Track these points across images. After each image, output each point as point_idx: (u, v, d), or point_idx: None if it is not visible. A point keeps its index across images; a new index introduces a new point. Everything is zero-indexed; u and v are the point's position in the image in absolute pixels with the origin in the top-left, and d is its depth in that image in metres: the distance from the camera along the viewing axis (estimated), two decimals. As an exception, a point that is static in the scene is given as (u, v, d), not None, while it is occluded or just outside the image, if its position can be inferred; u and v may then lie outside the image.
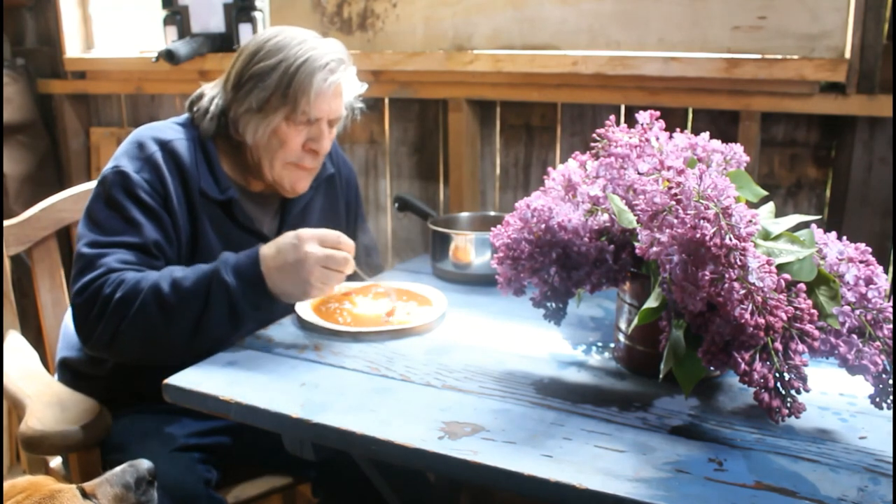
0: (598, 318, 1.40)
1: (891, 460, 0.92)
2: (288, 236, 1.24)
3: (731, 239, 0.91)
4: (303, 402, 1.06)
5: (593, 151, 1.16)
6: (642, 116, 1.16)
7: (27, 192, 2.47)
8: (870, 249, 1.02)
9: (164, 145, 1.37)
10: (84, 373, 1.42)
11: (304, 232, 1.24)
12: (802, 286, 0.93)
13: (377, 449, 0.98)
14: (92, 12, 2.54)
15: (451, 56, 1.92)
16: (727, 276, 0.91)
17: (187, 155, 1.38)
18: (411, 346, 1.27)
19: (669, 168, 1.01)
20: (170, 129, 1.42)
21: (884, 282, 0.98)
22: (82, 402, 1.28)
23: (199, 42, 2.16)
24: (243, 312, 1.23)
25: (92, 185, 1.43)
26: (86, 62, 2.50)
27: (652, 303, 1.02)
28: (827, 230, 1.06)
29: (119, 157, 1.36)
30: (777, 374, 0.91)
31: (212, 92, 1.44)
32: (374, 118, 2.14)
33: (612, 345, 1.25)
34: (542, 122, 1.96)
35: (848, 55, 1.59)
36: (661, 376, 1.02)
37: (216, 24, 2.19)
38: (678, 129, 1.16)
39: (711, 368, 0.97)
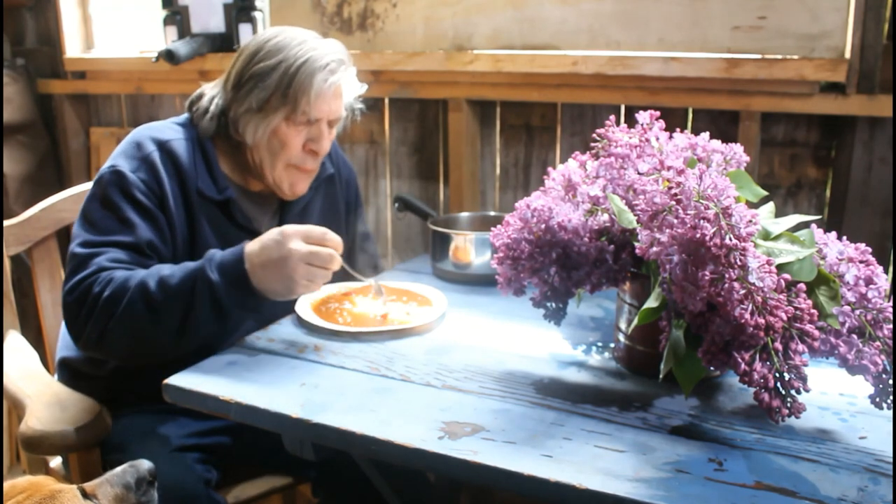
0: (598, 318, 1.40)
1: (891, 460, 0.92)
2: (272, 233, 1.22)
3: (731, 239, 0.91)
4: (303, 402, 1.06)
5: (593, 151, 1.16)
6: (642, 116, 1.16)
7: (27, 192, 2.47)
8: (870, 249, 1.02)
9: (162, 145, 1.37)
10: (84, 373, 1.42)
11: (289, 228, 1.22)
12: (802, 286, 0.93)
13: (377, 449, 0.98)
14: (92, 12, 2.54)
15: (451, 56, 1.92)
16: (727, 276, 0.91)
17: (185, 155, 1.38)
18: (411, 346, 1.27)
19: (669, 168, 1.01)
20: (168, 128, 1.42)
21: (884, 282, 0.98)
22: (82, 402, 1.28)
23: (199, 42, 2.16)
24: (228, 310, 1.22)
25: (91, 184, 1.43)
26: (86, 62, 2.50)
27: (652, 303, 1.02)
28: (827, 230, 1.06)
29: (116, 157, 1.36)
30: (777, 374, 0.91)
31: (212, 92, 1.44)
32: (374, 118, 2.14)
33: (612, 345, 1.25)
34: (542, 122, 1.96)
35: (848, 55, 1.59)
36: (661, 376, 1.02)
37: (216, 24, 2.19)
38: (678, 129, 1.16)
39: (711, 368, 0.97)
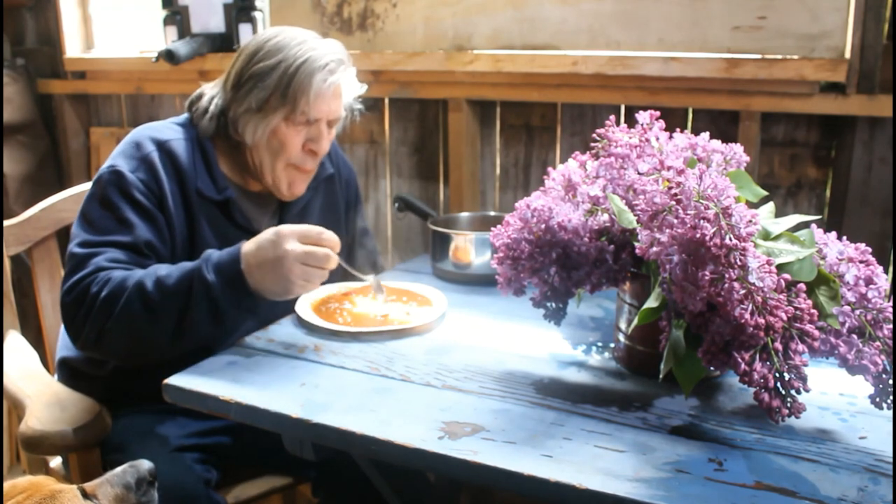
0: (598, 318, 1.40)
1: (891, 460, 0.92)
2: (268, 233, 1.22)
3: (731, 239, 0.91)
4: (303, 402, 1.06)
5: (593, 151, 1.16)
6: (642, 116, 1.16)
7: (27, 192, 2.47)
8: (870, 249, 1.02)
9: (162, 145, 1.37)
10: (84, 373, 1.42)
11: (284, 228, 1.21)
12: (802, 286, 0.93)
13: (377, 449, 0.98)
14: (92, 12, 2.54)
15: (451, 56, 1.92)
16: (727, 276, 0.91)
17: (185, 155, 1.38)
18: (411, 346, 1.27)
19: (669, 168, 1.01)
20: (168, 128, 1.42)
21: (884, 282, 0.98)
22: (82, 402, 1.28)
23: (199, 42, 2.16)
24: (225, 310, 1.21)
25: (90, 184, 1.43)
26: (86, 62, 2.50)
27: (652, 303, 1.02)
28: (827, 230, 1.06)
29: (115, 157, 1.36)
30: (777, 374, 0.91)
31: (211, 92, 1.44)
32: (374, 118, 2.14)
33: (612, 345, 1.25)
34: (542, 122, 1.96)
35: (848, 55, 1.59)
36: (661, 376, 1.02)
37: (216, 24, 2.19)
38: (678, 129, 1.16)
39: (711, 368, 0.97)
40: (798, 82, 1.62)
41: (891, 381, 0.95)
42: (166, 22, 2.22)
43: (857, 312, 0.96)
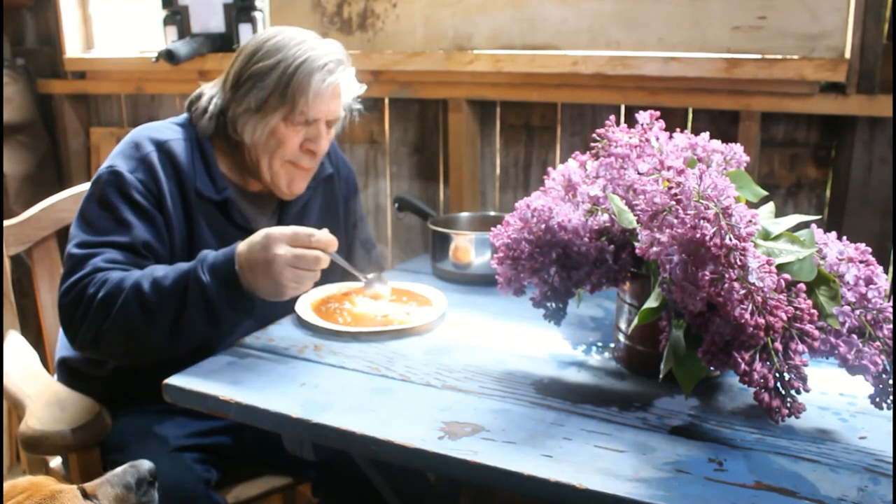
0: (598, 318, 1.40)
1: (891, 460, 0.92)
2: (259, 235, 1.21)
3: (731, 239, 0.91)
4: (303, 402, 1.06)
5: (593, 151, 1.16)
6: (642, 116, 1.16)
7: (27, 192, 2.47)
8: (870, 249, 1.02)
9: (161, 145, 1.37)
10: (83, 373, 1.42)
11: (274, 232, 1.20)
12: (802, 286, 0.93)
13: (377, 449, 0.98)
14: (92, 12, 2.54)
15: (451, 56, 1.92)
16: (727, 276, 0.91)
17: (184, 155, 1.38)
18: (411, 346, 1.27)
19: (669, 168, 1.01)
20: (167, 129, 1.42)
21: (884, 282, 0.98)
22: (82, 402, 1.28)
23: (199, 42, 2.16)
24: (221, 311, 1.21)
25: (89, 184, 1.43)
26: (86, 62, 2.50)
27: (652, 303, 1.02)
28: (827, 230, 1.06)
29: (114, 157, 1.36)
30: (777, 374, 0.91)
31: (211, 91, 1.44)
32: (374, 118, 2.14)
33: (612, 345, 1.25)
34: (542, 122, 1.96)
35: (848, 55, 1.59)
36: (661, 376, 1.02)
37: (216, 24, 2.19)
38: (678, 129, 1.16)
39: (711, 368, 0.97)
40: (798, 82, 1.62)
41: (891, 381, 0.95)
42: (166, 22, 2.22)
43: (857, 312, 0.96)
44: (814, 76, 1.59)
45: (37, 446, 1.22)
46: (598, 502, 0.85)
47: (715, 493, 0.85)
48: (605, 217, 1.10)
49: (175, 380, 1.13)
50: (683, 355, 1.00)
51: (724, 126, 1.75)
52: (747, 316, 0.89)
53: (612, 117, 1.16)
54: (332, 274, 1.52)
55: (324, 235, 1.22)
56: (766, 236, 1.03)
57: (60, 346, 1.49)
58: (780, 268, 0.95)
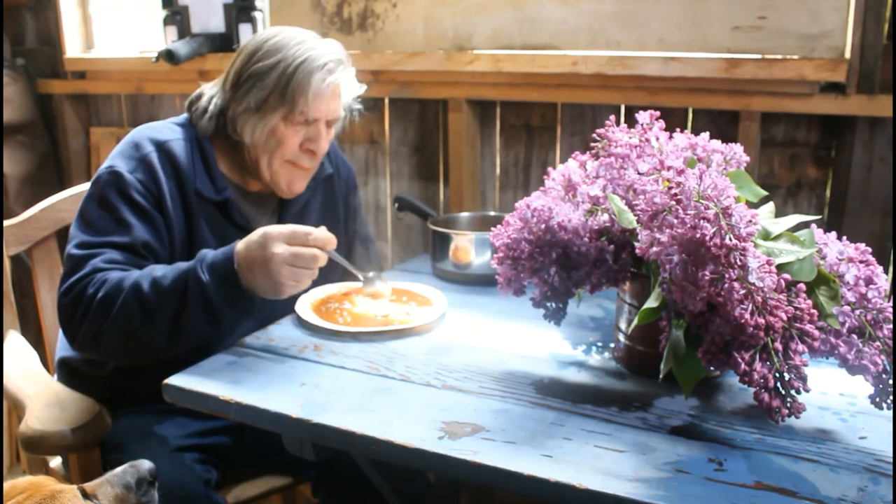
0: (598, 318, 1.40)
1: (891, 460, 0.92)
2: (256, 234, 1.21)
3: (731, 239, 0.91)
4: (303, 402, 1.06)
5: (593, 151, 1.16)
6: (642, 116, 1.16)
7: (27, 192, 2.47)
8: (870, 249, 1.02)
9: (161, 146, 1.37)
10: (83, 373, 1.42)
11: (272, 230, 1.20)
12: (802, 286, 0.93)
13: (377, 449, 0.98)
14: (92, 12, 2.54)
15: (451, 56, 1.92)
16: (727, 276, 0.91)
17: (184, 155, 1.38)
18: (411, 346, 1.27)
19: (669, 168, 1.01)
20: (167, 129, 1.42)
21: (884, 282, 0.98)
22: (82, 402, 1.28)
23: (199, 42, 2.16)
24: (220, 310, 1.21)
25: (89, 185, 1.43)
26: (86, 62, 2.50)
27: (652, 303, 1.02)
28: (827, 230, 1.06)
29: (114, 157, 1.36)
30: (777, 374, 0.91)
31: (211, 91, 1.44)
32: (374, 118, 2.14)
33: (612, 345, 1.25)
34: (542, 122, 1.96)
35: (848, 55, 1.59)
36: (661, 376, 1.02)
37: (216, 24, 2.19)
38: (678, 129, 1.16)
39: (711, 368, 0.97)
40: (798, 82, 1.62)
41: (891, 381, 0.95)
42: (166, 22, 2.22)
43: (857, 312, 0.96)
44: (814, 76, 1.59)
45: (37, 446, 1.22)
46: (598, 502, 0.85)
47: (715, 493, 0.85)
48: (605, 217, 1.10)
49: (175, 380, 1.13)
50: (683, 355, 1.00)
51: (724, 126, 1.75)
52: (747, 316, 0.89)
53: (612, 117, 1.16)
54: (332, 273, 1.52)
55: (321, 233, 1.22)
56: (766, 236, 1.03)
57: (60, 346, 1.49)
58: (780, 268, 0.95)
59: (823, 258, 1.01)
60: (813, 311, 0.92)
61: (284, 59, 1.36)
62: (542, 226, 1.10)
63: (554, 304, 1.17)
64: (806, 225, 1.05)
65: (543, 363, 1.20)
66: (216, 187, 1.40)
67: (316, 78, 1.36)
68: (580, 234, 1.08)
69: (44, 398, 1.29)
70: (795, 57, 1.62)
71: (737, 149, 1.15)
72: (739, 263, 0.91)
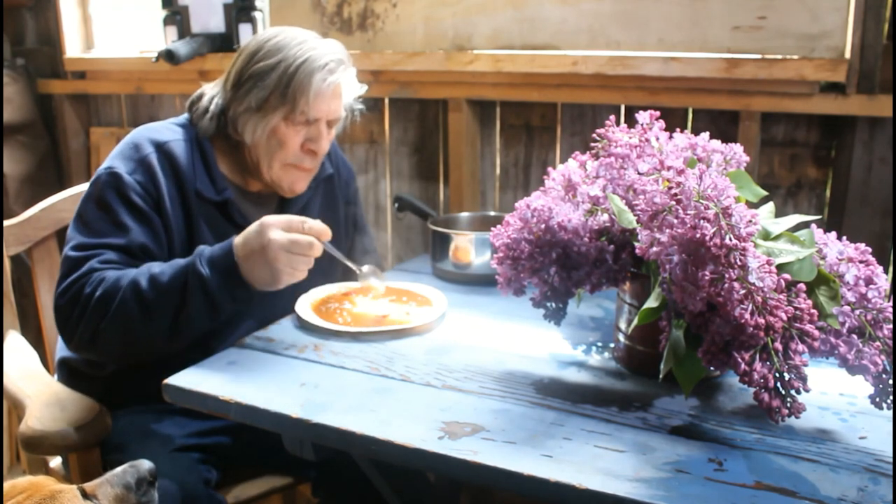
0: (598, 318, 1.40)
1: (891, 460, 0.92)
2: (254, 224, 1.23)
3: (731, 239, 0.91)
4: (303, 402, 1.06)
5: (593, 151, 1.16)
6: (642, 116, 1.16)
7: (27, 192, 2.47)
8: (870, 249, 1.02)
9: (160, 147, 1.37)
10: (84, 373, 1.42)
11: (269, 219, 1.22)
12: (802, 286, 0.93)
13: (377, 449, 0.98)
14: (92, 12, 2.54)
15: (451, 56, 1.92)
16: (727, 276, 0.91)
17: (184, 156, 1.38)
18: (411, 346, 1.27)
19: (669, 168, 1.01)
20: (167, 129, 1.42)
21: (884, 282, 0.98)
22: (82, 402, 1.28)
23: (199, 42, 2.16)
24: (221, 304, 1.22)
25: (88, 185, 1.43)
26: (86, 62, 2.50)
27: (652, 303, 1.02)
28: (827, 230, 1.06)
29: (114, 158, 1.36)
30: (777, 374, 0.91)
31: (212, 91, 1.44)
32: (374, 118, 2.14)
33: (612, 345, 1.25)
34: (542, 122, 1.96)
35: (848, 55, 1.59)
36: (661, 376, 1.02)
37: (216, 24, 2.19)
38: (678, 129, 1.16)
39: (711, 368, 0.97)
40: (798, 82, 1.62)
41: (891, 381, 0.95)
42: (166, 22, 2.22)
43: (857, 312, 0.96)
44: (814, 76, 1.59)
45: (37, 446, 1.22)
46: (598, 502, 0.85)
47: (715, 493, 0.85)
48: (605, 217, 1.10)
49: (175, 380, 1.13)
50: (683, 355, 1.00)
51: (724, 126, 1.75)
52: (747, 316, 0.89)
53: (612, 117, 1.16)
54: (332, 273, 1.52)
55: (316, 223, 1.24)
56: (766, 236, 1.03)
57: (60, 346, 1.48)
58: (780, 268, 0.95)
59: (823, 258, 1.01)
60: (813, 311, 0.92)
61: (285, 59, 1.36)
62: (542, 226, 1.10)
63: (554, 304, 1.17)
64: (806, 225, 1.05)
65: (543, 363, 1.20)
66: (216, 188, 1.40)
67: (317, 78, 1.36)
68: (580, 234, 1.08)
69: (44, 398, 1.29)
70: (795, 57, 1.62)
71: (737, 149, 1.15)
72: (739, 263, 0.91)
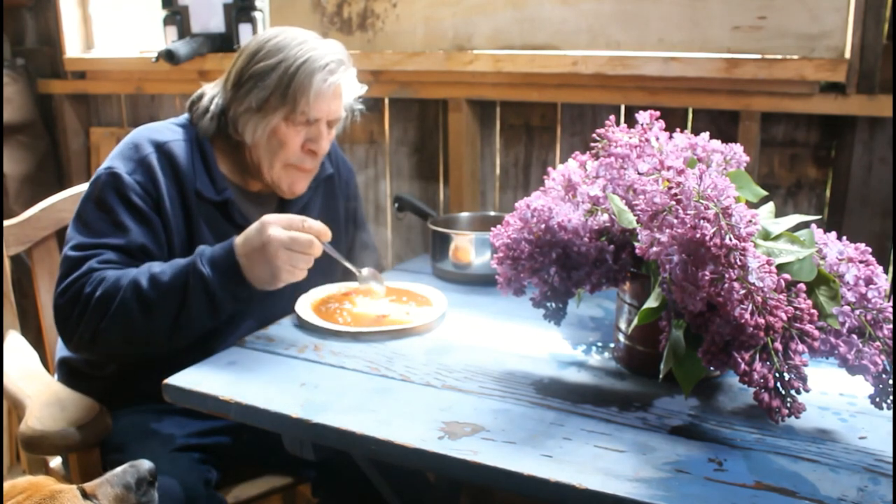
0: (598, 318, 1.40)
1: (891, 460, 0.92)
2: (254, 223, 1.24)
3: (731, 239, 0.91)
4: (303, 402, 1.06)
5: (593, 151, 1.16)
6: (642, 116, 1.16)
7: (27, 192, 2.47)
8: (870, 249, 1.02)
9: (160, 147, 1.37)
10: (84, 373, 1.42)
11: (269, 217, 1.24)
12: (802, 286, 0.93)
13: (377, 449, 0.98)
14: (92, 12, 2.54)
15: (451, 56, 1.92)
16: (727, 276, 0.91)
17: (184, 156, 1.38)
18: (411, 346, 1.27)
19: (669, 168, 1.01)
20: (167, 129, 1.42)
21: (884, 282, 0.98)
22: (82, 402, 1.28)
23: (199, 42, 2.16)
24: (222, 302, 1.23)
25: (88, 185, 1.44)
26: (86, 62, 2.50)
27: (652, 303, 1.02)
28: (827, 230, 1.06)
29: (113, 158, 1.36)
30: (777, 374, 0.91)
31: (212, 92, 1.44)
32: (374, 118, 2.14)
33: (612, 345, 1.25)
34: (542, 122, 1.96)
35: (848, 55, 1.59)
36: (661, 376, 1.02)
37: (216, 24, 2.19)
38: (678, 129, 1.16)
39: (711, 368, 0.97)
40: (798, 82, 1.62)
41: (891, 381, 0.95)
42: (166, 22, 2.22)
43: (857, 312, 0.96)
44: (814, 76, 1.59)
45: (37, 446, 1.22)
46: (598, 502, 0.85)
47: (715, 493, 0.85)
48: (605, 217, 1.10)
49: (175, 380, 1.13)
50: (683, 355, 1.00)
51: (724, 126, 1.75)
52: (747, 316, 0.89)
53: (612, 117, 1.16)
54: (332, 273, 1.52)
55: (316, 223, 1.25)
56: (766, 236, 1.03)
57: (60, 346, 1.48)
58: (780, 268, 0.95)
59: (823, 258, 1.01)
60: (813, 311, 0.92)
61: (286, 60, 1.36)
62: (542, 226, 1.10)
63: (554, 304, 1.17)
64: (806, 225, 1.05)
65: (543, 363, 1.20)
66: (216, 188, 1.40)
67: (317, 78, 1.36)
68: (580, 234, 1.08)
69: (44, 398, 1.29)
70: (795, 57, 1.62)
71: (737, 149, 1.15)
72: (739, 263, 0.91)
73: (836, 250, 1.01)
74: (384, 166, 2.18)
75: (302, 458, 1.23)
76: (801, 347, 0.91)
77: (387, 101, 2.13)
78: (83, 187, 1.68)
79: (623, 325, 1.18)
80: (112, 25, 2.56)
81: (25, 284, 2.08)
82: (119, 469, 0.94)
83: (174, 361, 1.19)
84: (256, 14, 2.13)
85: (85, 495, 0.89)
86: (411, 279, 1.60)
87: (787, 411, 0.91)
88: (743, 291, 0.90)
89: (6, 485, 0.86)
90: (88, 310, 1.21)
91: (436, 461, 0.94)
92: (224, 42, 2.19)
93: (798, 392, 0.91)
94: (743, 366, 0.91)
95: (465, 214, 1.82)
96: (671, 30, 1.73)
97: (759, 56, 1.65)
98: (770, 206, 1.13)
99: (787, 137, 1.73)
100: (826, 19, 1.59)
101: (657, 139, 1.13)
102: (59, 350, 1.48)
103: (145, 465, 0.95)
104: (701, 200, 0.93)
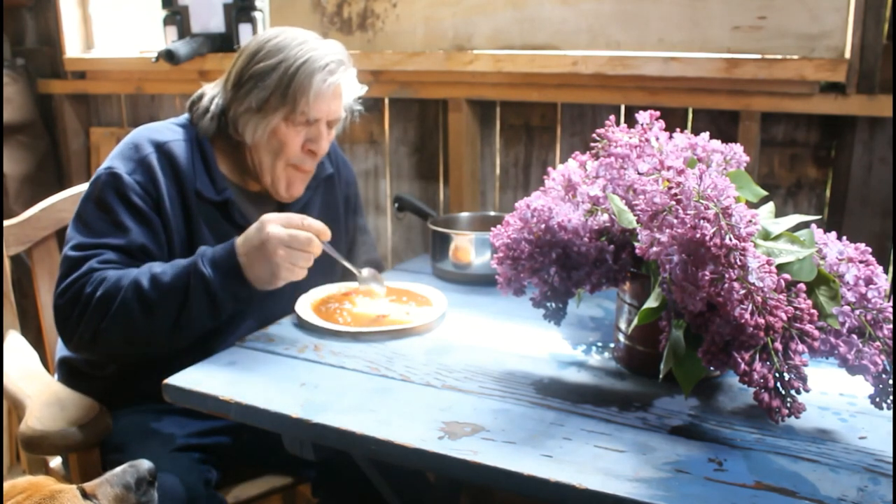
0: (598, 318, 1.40)
1: (891, 460, 0.92)
2: (254, 223, 1.25)
3: (731, 239, 0.91)
4: (303, 402, 1.06)
5: (593, 151, 1.16)
6: (642, 116, 1.16)
7: (27, 192, 2.47)
8: (870, 249, 1.02)
9: (160, 147, 1.37)
10: (84, 372, 1.42)
11: (268, 215, 1.24)
12: (802, 286, 0.93)
13: (377, 449, 0.98)
14: (92, 12, 2.54)
15: (451, 56, 1.92)
16: (727, 276, 0.91)
17: (184, 156, 1.38)
18: (411, 346, 1.27)
19: (669, 168, 1.01)
20: (167, 129, 1.42)
21: (884, 282, 0.98)
22: (82, 402, 1.28)
23: (199, 42, 2.16)
24: (223, 303, 1.23)
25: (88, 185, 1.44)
26: (86, 62, 2.50)
27: (652, 303, 1.02)
28: (827, 230, 1.06)
29: (113, 158, 1.36)
30: (777, 374, 0.91)
31: (212, 92, 1.44)
32: (374, 118, 2.14)
33: (612, 345, 1.25)
34: (542, 122, 1.96)
35: (848, 55, 1.59)
36: (661, 376, 1.02)
37: (216, 24, 2.19)
38: (678, 129, 1.16)
39: (711, 368, 0.97)
40: (798, 82, 1.62)
41: (891, 381, 0.95)
42: (166, 22, 2.22)
43: (857, 312, 0.96)
44: (814, 76, 1.59)
45: (37, 446, 1.22)
46: (598, 502, 0.85)
47: (715, 493, 0.85)
48: (605, 217, 1.10)
49: (175, 380, 1.13)
50: (683, 355, 1.00)
51: (724, 126, 1.76)
52: (747, 316, 0.89)
53: (612, 117, 1.16)
54: (332, 273, 1.52)
55: (315, 222, 1.26)
56: (766, 236, 1.03)
57: (60, 346, 1.48)
58: (780, 268, 0.95)
59: (823, 258, 1.01)
60: (813, 311, 0.92)
61: (286, 60, 1.36)
62: (542, 226, 1.10)
63: (554, 304, 1.17)
64: (806, 225, 1.05)
65: (543, 363, 1.20)
66: (216, 188, 1.40)
67: (317, 78, 1.37)
68: (580, 234, 1.08)
69: (44, 398, 1.29)
70: (795, 57, 1.62)
71: (737, 149, 1.15)
72: (739, 263, 0.91)
73: (836, 250, 1.01)
74: (384, 166, 2.18)
75: (302, 458, 1.23)
76: (801, 347, 0.91)
77: (387, 101, 2.13)
78: (83, 187, 1.68)
79: (623, 325, 1.18)
80: (112, 25, 2.56)
81: (25, 284, 2.09)
82: (119, 469, 0.94)
83: (174, 361, 1.20)
84: (256, 14, 2.13)
85: (85, 495, 0.89)
86: (411, 279, 1.60)
87: (787, 411, 0.91)
88: (743, 291, 0.90)
89: (6, 485, 0.86)
90: (89, 310, 1.21)
91: (436, 461, 0.94)
92: (224, 42, 2.19)
93: (798, 392, 0.91)
94: (743, 366, 0.91)
95: (465, 214, 1.82)
96: (671, 30, 1.73)
97: (759, 56, 1.65)
98: (770, 206, 1.13)
99: (787, 137, 1.73)
100: (826, 19, 1.59)
101: (657, 139, 1.13)
102: (59, 350, 1.48)
103: (145, 464, 0.95)
104: (701, 200, 0.93)
